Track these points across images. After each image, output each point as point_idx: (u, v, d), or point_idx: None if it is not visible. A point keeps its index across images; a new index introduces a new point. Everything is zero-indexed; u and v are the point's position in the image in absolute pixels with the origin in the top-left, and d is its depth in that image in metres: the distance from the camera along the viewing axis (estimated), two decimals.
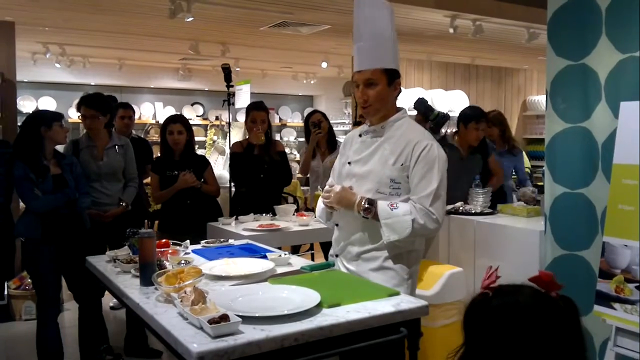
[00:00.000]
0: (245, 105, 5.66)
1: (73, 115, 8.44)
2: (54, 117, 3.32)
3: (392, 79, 2.14)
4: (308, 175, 4.64)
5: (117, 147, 3.75)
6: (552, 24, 2.72)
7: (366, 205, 2.08)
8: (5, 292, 4.44)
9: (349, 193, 2.15)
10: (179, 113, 7.34)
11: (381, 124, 2.19)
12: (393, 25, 2.17)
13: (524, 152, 4.79)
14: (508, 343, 1.02)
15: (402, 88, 2.25)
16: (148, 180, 4.28)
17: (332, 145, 4.49)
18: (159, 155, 4.00)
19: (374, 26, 2.13)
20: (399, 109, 2.23)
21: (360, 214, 2.09)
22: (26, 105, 8.04)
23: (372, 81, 2.11)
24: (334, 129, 4.80)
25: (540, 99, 8.66)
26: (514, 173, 4.82)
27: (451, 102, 7.81)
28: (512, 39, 6.20)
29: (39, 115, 3.38)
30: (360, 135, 2.27)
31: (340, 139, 5.27)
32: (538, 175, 7.09)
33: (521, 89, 8.94)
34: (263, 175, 4.05)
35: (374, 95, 2.12)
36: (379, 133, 2.19)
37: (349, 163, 2.26)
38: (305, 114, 10.44)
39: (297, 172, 7.58)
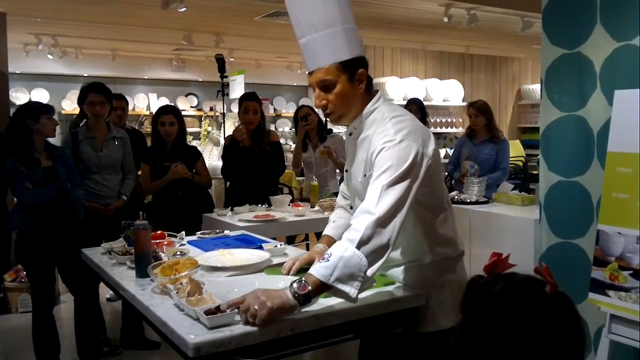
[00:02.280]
0: (239, 96, 5.67)
1: (67, 107, 8.40)
2: (42, 110, 3.28)
3: (352, 72, 1.75)
4: (302, 167, 4.67)
5: (115, 139, 3.74)
6: (547, 13, 2.71)
7: (304, 290, 1.50)
8: (2, 285, 4.43)
9: (270, 294, 1.50)
10: (171, 104, 7.31)
11: (353, 124, 1.84)
12: (342, 3, 1.75)
13: (507, 141, 4.80)
14: (506, 328, 1.01)
15: (381, 78, 1.90)
16: None
17: (322, 136, 4.52)
18: (150, 145, 3.99)
19: (316, 14, 1.73)
20: (374, 95, 1.83)
21: (301, 306, 1.52)
22: (19, 97, 7.99)
23: (328, 82, 1.74)
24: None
25: (534, 88, 8.67)
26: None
27: (446, 91, 7.82)
28: (507, 27, 6.20)
29: (27, 108, 3.36)
30: (350, 135, 1.91)
31: (336, 129, 5.30)
32: (533, 164, 7.11)
33: (516, 77, 8.95)
34: (253, 167, 4.05)
35: (334, 98, 1.76)
36: (355, 134, 1.86)
37: (346, 171, 2.00)
38: (300, 104, 10.50)
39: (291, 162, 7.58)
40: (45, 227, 3.24)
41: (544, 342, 1.00)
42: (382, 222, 1.57)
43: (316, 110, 4.54)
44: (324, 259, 1.55)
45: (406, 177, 1.63)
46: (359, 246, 1.54)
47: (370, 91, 1.83)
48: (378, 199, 1.60)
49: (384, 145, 1.68)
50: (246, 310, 1.47)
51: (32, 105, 3.46)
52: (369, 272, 1.55)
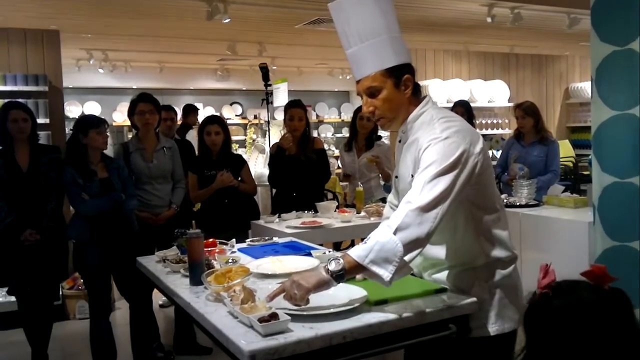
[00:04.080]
0: (283, 103, 5.72)
1: (117, 118, 8.68)
2: (91, 124, 3.36)
3: (398, 78, 1.78)
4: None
5: (165, 149, 3.83)
6: (596, 9, 2.64)
7: (337, 267, 1.59)
8: (60, 293, 4.60)
9: (305, 276, 1.63)
10: (216, 114, 7.46)
11: (401, 129, 1.88)
12: (387, 14, 1.80)
13: (557, 142, 4.67)
14: (573, 341, 1.01)
15: (424, 81, 1.91)
16: None
17: (370, 143, 4.47)
18: (197, 155, 4.08)
19: (360, 26, 1.79)
20: (422, 100, 1.86)
21: (336, 282, 1.61)
22: (72, 110, 8.32)
23: (375, 89, 1.79)
24: None
25: (583, 86, 8.42)
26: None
27: (491, 92, 7.68)
28: (552, 25, 6.05)
29: (78, 123, 3.46)
30: (399, 141, 1.93)
31: (383, 134, 5.24)
32: (584, 164, 6.90)
33: (563, 76, 8.71)
34: (299, 175, 4.08)
35: (381, 104, 1.80)
36: (403, 139, 1.88)
37: (396, 177, 1.99)
38: (342, 109, 10.52)
39: (335, 168, 7.58)
40: (101, 236, 3.35)
41: (606, 343, 1.01)
42: (422, 212, 1.60)
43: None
44: (363, 241, 1.62)
45: (450, 171, 1.64)
46: (396, 232, 1.58)
47: (417, 97, 1.86)
48: (420, 190, 1.62)
49: (429, 142, 1.70)
50: (289, 297, 1.59)
51: (82, 120, 3.52)
52: (407, 258, 1.58)
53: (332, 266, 1.59)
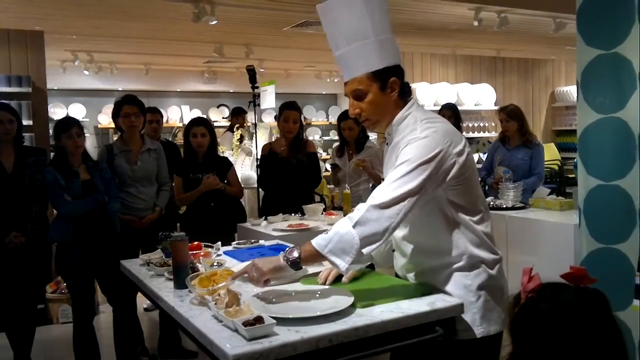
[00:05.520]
0: (271, 106, 5.70)
1: (103, 121, 8.61)
2: (62, 129, 3.33)
3: (384, 81, 1.79)
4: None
5: (150, 151, 3.80)
6: (582, 14, 2.66)
7: (293, 255, 1.74)
8: (43, 296, 4.54)
9: (264, 261, 1.83)
10: (202, 116, 7.41)
11: (387, 131, 1.89)
12: (375, 16, 1.79)
13: (542, 145, 4.71)
14: (559, 343, 1.01)
15: (411, 84, 1.92)
16: None
17: (359, 146, 4.46)
18: (183, 157, 4.05)
19: (347, 28, 1.80)
20: (407, 102, 1.86)
21: (292, 268, 1.76)
22: (57, 112, 8.22)
23: (361, 92, 1.81)
24: None
25: (569, 90, 8.50)
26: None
27: (478, 95, 7.73)
28: (539, 29, 6.10)
29: (54, 126, 3.44)
30: (387, 144, 1.94)
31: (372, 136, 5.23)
32: (569, 167, 6.96)
33: (549, 79, 8.79)
34: (289, 177, 4.06)
35: (367, 106, 1.82)
36: (388, 141, 1.90)
37: (383, 180, 2.01)
38: (330, 112, 10.51)
39: (323, 170, 7.56)
40: (83, 238, 3.31)
41: (591, 344, 1.02)
42: (382, 209, 1.66)
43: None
44: (325, 231, 1.73)
45: (419, 169, 1.67)
46: (356, 225, 1.66)
47: (405, 98, 1.86)
48: (386, 187, 1.69)
49: (408, 142, 1.74)
50: (250, 279, 1.85)
51: (56, 123, 3.45)
52: (364, 251, 1.66)
53: (290, 254, 1.75)
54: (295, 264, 1.75)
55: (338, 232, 1.68)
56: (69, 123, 3.39)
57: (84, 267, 3.34)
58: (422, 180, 1.66)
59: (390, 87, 1.81)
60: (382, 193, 1.68)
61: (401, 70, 1.85)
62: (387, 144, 1.93)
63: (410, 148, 1.71)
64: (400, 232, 1.87)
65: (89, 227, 3.33)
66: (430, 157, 1.68)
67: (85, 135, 3.49)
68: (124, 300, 3.55)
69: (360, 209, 1.69)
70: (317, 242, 1.71)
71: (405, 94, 1.86)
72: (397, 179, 1.67)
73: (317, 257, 1.72)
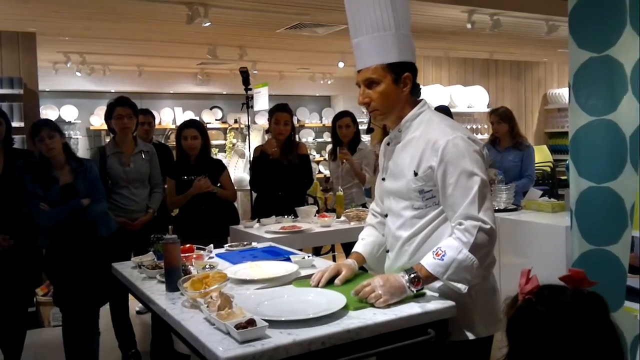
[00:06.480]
0: (264, 108, 5.69)
1: (95, 122, 8.57)
2: (32, 133, 3.23)
3: (398, 74, 1.81)
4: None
5: (142, 153, 3.78)
6: (574, 16, 2.67)
7: (411, 276, 1.72)
8: (34, 299, 4.50)
9: (393, 280, 1.73)
10: (194, 118, 7.39)
11: (397, 127, 1.90)
12: (399, 12, 1.84)
13: (532, 147, 4.73)
14: (557, 345, 1.01)
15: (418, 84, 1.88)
16: None
17: (353, 148, 4.45)
18: (175, 160, 4.03)
19: (370, 16, 1.82)
20: (418, 102, 1.90)
21: (413, 291, 1.73)
22: (49, 114, 8.17)
23: (373, 80, 1.82)
24: None
25: (561, 92, 8.54)
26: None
27: (471, 97, 7.76)
28: (531, 32, 6.13)
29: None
30: (388, 144, 1.96)
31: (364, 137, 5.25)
32: (561, 169, 6.99)
33: (541, 82, 8.83)
34: (281, 179, 4.05)
35: (377, 97, 1.83)
36: (397, 139, 1.90)
37: (383, 179, 2.00)
38: (324, 114, 10.51)
39: (316, 172, 7.57)
40: (64, 245, 3.26)
41: (588, 346, 1.03)
42: (490, 229, 1.71)
43: (356, 120, 4.54)
44: (438, 255, 1.70)
45: (485, 179, 1.78)
46: (472, 250, 1.68)
47: (415, 97, 1.90)
48: (478, 204, 1.72)
49: (447, 141, 1.75)
50: (371, 291, 1.69)
51: (31, 127, 3.32)
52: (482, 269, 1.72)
53: (412, 284, 1.70)
54: (417, 282, 1.72)
55: (456, 258, 1.68)
56: (37, 126, 3.25)
57: (69, 270, 3.27)
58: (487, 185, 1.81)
59: (403, 81, 1.83)
60: (478, 212, 1.71)
61: (415, 69, 1.88)
62: (387, 144, 1.95)
63: (469, 167, 1.75)
64: (405, 233, 1.88)
65: (67, 233, 3.25)
66: (483, 162, 1.82)
67: (71, 135, 3.42)
68: (116, 303, 3.53)
69: (471, 232, 1.69)
70: (434, 269, 1.70)
71: (415, 94, 1.89)
72: (479, 194, 1.73)
73: (433, 280, 1.74)
